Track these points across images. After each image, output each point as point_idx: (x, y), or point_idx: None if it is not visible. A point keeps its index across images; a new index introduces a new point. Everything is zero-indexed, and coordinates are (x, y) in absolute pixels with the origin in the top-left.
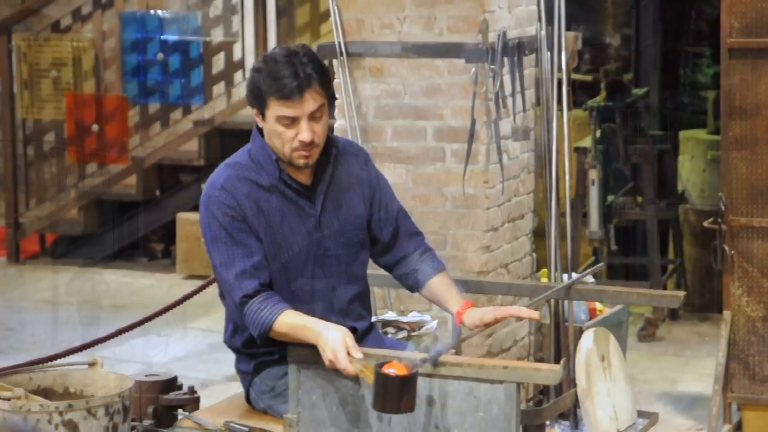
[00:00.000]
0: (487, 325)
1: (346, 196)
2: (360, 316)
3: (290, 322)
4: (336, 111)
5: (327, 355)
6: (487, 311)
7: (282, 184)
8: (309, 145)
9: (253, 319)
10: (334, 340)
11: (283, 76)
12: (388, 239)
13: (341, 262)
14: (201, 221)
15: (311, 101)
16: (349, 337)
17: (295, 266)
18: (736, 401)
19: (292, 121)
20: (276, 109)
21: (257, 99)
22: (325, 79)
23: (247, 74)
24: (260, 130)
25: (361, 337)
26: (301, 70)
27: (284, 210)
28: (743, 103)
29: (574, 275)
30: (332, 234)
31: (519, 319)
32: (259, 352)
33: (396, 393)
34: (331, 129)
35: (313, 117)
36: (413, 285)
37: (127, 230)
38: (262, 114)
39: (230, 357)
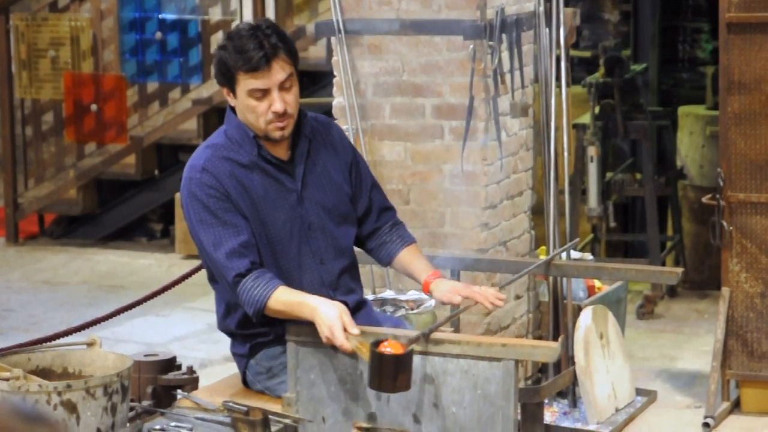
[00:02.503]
0: (455, 304)
1: (326, 170)
2: (350, 289)
3: (285, 299)
4: (335, 89)
5: (323, 331)
6: (454, 289)
7: (262, 161)
8: (282, 116)
9: (247, 297)
10: (330, 316)
11: (249, 49)
12: (361, 213)
13: (327, 236)
14: (183, 205)
15: (279, 71)
16: (345, 314)
17: (281, 242)
18: (734, 378)
19: (264, 93)
20: (246, 83)
21: (226, 76)
22: (290, 49)
23: None
24: (233, 110)
25: (353, 312)
26: (266, 41)
27: (266, 186)
28: (742, 78)
29: (568, 253)
30: (314, 208)
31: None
32: (254, 333)
33: (391, 372)
34: (329, 107)
35: (283, 87)
36: (384, 258)
37: (126, 210)
38: (233, 91)
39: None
